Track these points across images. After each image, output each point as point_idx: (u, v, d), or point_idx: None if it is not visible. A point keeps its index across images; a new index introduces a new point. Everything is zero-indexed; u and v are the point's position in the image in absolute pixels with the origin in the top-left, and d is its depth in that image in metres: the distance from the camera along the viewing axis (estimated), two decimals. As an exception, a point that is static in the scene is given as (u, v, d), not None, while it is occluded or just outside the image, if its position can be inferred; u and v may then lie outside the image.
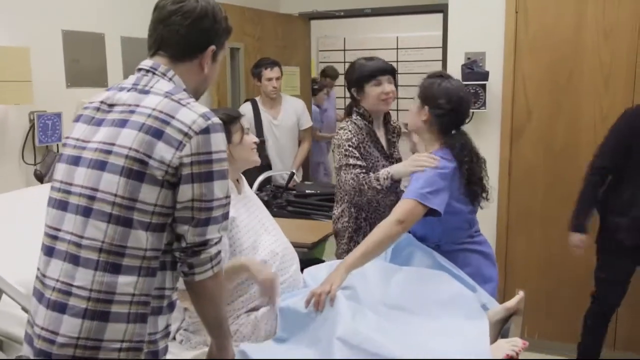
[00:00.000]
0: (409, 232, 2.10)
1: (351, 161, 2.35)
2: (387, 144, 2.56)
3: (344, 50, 6.93)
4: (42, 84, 2.94)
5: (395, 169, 2.27)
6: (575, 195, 2.75)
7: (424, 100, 2.13)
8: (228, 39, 1.56)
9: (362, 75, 2.46)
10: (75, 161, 1.40)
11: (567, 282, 3.18)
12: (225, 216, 1.43)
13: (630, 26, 2.95)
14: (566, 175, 3.09)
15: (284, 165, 4.02)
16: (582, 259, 2.87)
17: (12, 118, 2.91)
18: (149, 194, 1.33)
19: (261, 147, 2.96)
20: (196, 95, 1.52)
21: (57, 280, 1.35)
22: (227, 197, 1.42)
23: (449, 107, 2.09)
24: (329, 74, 6.12)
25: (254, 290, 1.96)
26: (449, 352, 1.64)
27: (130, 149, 1.33)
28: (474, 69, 3.23)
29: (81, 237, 1.34)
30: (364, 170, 2.35)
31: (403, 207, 1.98)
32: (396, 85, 2.52)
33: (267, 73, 3.93)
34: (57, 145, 3.03)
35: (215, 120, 1.39)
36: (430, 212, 1.99)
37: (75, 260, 1.34)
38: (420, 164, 2.07)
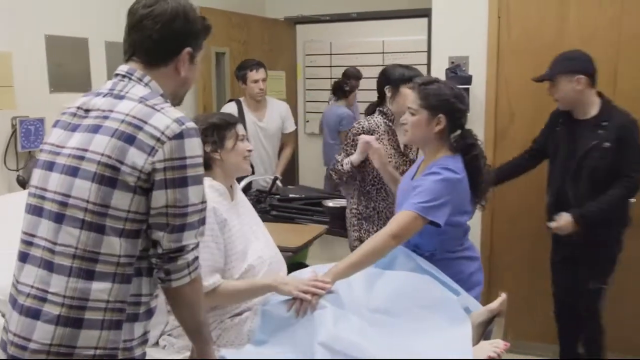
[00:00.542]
0: None
1: (342, 149, 2.70)
2: (405, 144, 2.68)
3: (331, 54, 6.94)
4: (24, 89, 2.93)
5: (354, 157, 2.58)
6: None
7: (435, 109, 2.03)
8: (207, 39, 1.53)
9: (402, 76, 2.60)
10: (50, 167, 1.40)
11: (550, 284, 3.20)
12: (202, 222, 1.42)
13: (610, 31, 2.99)
14: (549, 178, 3.12)
15: (266, 169, 3.97)
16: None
17: (-6, 123, 2.89)
18: (121, 200, 1.32)
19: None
20: (176, 98, 1.51)
21: (32, 287, 1.34)
22: (203, 202, 1.41)
23: (464, 107, 2.09)
24: (354, 75, 5.68)
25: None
26: (432, 355, 1.64)
27: (102, 155, 1.32)
28: (458, 73, 3.26)
29: (55, 243, 1.34)
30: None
31: (401, 220, 1.93)
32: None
33: (253, 75, 3.85)
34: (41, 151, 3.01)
35: (190, 125, 1.37)
36: (430, 222, 1.96)
37: (49, 266, 1.34)
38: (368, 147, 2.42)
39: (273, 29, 5.27)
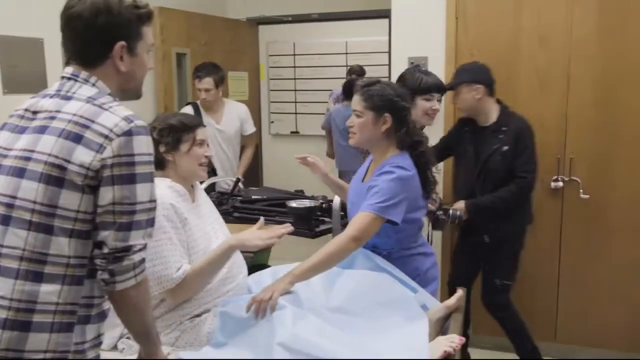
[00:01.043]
0: None
1: None
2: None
3: (294, 55, 6.95)
4: (-23, 90, 2.86)
5: None
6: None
7: (380, 108, 2.07)
8: (147, 24, 1.46)
9: (418, 86, 2.56)
10: None
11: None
12: (150, 222, 1.40)
13: (564, 32, 3.07)
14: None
15: (226, 172, 3.94)
16: (524, 255, 2.98)
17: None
18: (69, 200, 1.31)
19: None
20: (125, 95, 1.48)
21: None
22: (152, 201, 1.38)
23: (408, 104, 2.12)
24: (359, 72, 5.50)
25: (200, 297, 1.96)
26: (389, 352, 1.67)
27: (49, 155, 1.31)
28: (417, 74, 3.30)
29: (1, 245, 1.31)
30: None
31: (360, 223, 1.94)
32: None
33: (196, 83, 3.85)
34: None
35: (139, 123, 1.36)
36: (388, 221, 1.98)
37: None
38: None
39: (235, 29, 5.24)
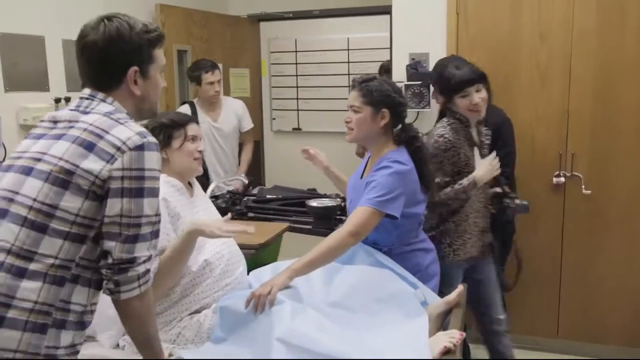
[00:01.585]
0: None
1: (439, 177, 2.39)
2: (480, 145, 2.56)
3: (296, 51, 6.92)
4: (-22, 88, 2.86)
5: (478, 177, 2.42)
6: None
7: (379, 104, 2.08)
8: (159, 47, 1.51)
9: (449, 87, 2.46)
10: (7, 169, 1.42)
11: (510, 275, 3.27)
12: (155, 234, 1.43)
13: (565, 28, 3.06)
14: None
15: (225, 169, 3.89)
16: (525, 251, 2.97)
17: (-54, 124, 2.81)
18: (72, 202, 1.33)
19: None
20: (140, 115, 1.53)
21: None
22: (157, 215, 1.42)
23: (405, 101, 2.15)
24: (389, 69, 5.56)
25: (198, 292, 1.96)
26: (389, 348, 1.67)
27: (60, 159, 1.35)
28: (418, 70, 3.30)
29: None
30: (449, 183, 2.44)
31: (358, 217, 1.95)
32: (488, 90, 2.49)
33: (208, 77, 3.72)
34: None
35: (152, 139, 1.41)
36: (387, 215, 1.99)
37: None
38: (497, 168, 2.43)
39: (236, 26, 5.24)
